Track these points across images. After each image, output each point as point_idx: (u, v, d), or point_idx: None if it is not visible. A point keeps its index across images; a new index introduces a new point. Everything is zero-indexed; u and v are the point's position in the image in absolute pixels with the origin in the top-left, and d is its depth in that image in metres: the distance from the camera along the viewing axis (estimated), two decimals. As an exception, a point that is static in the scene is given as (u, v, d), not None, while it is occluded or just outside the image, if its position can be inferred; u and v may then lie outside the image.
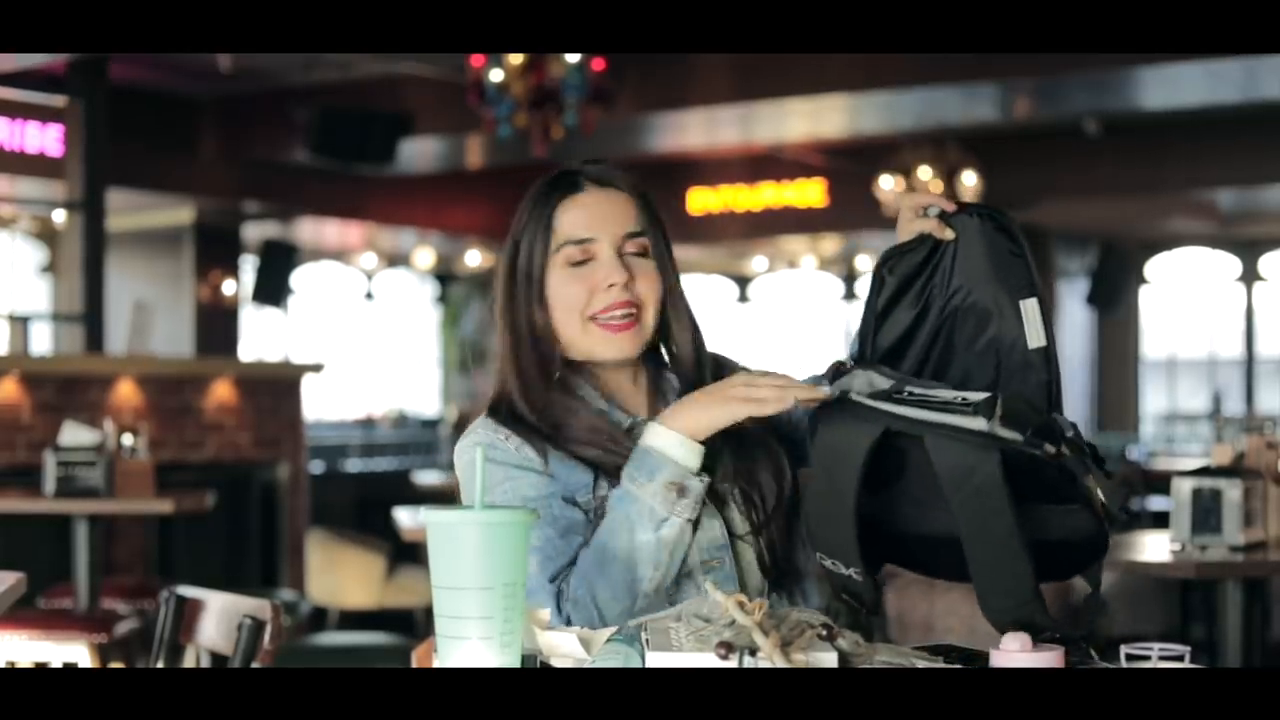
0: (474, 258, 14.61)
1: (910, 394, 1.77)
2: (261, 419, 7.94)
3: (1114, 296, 14.34)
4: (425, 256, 14.84)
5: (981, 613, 1.77)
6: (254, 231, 12.47)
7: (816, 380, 2.05)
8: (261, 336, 13.72)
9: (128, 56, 8.90)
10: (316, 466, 10.50)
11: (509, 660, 1.48)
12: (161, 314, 10.39)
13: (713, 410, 1.86)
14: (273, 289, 12.51)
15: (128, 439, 5.62)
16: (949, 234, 1.94)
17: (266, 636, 2.17)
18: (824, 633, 1.56)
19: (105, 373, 7.24)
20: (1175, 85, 8.95)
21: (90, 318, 8.47)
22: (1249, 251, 15.07)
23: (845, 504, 1.79)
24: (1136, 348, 15.29)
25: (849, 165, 11.93)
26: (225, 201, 11.43)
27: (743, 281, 17.09)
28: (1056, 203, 12.50)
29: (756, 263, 16.26)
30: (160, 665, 2.40)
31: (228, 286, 11.96)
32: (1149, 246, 15.14)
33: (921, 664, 1.63)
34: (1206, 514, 3.79)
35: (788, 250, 15.51)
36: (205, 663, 2.40)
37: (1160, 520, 6.87)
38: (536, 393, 1.99)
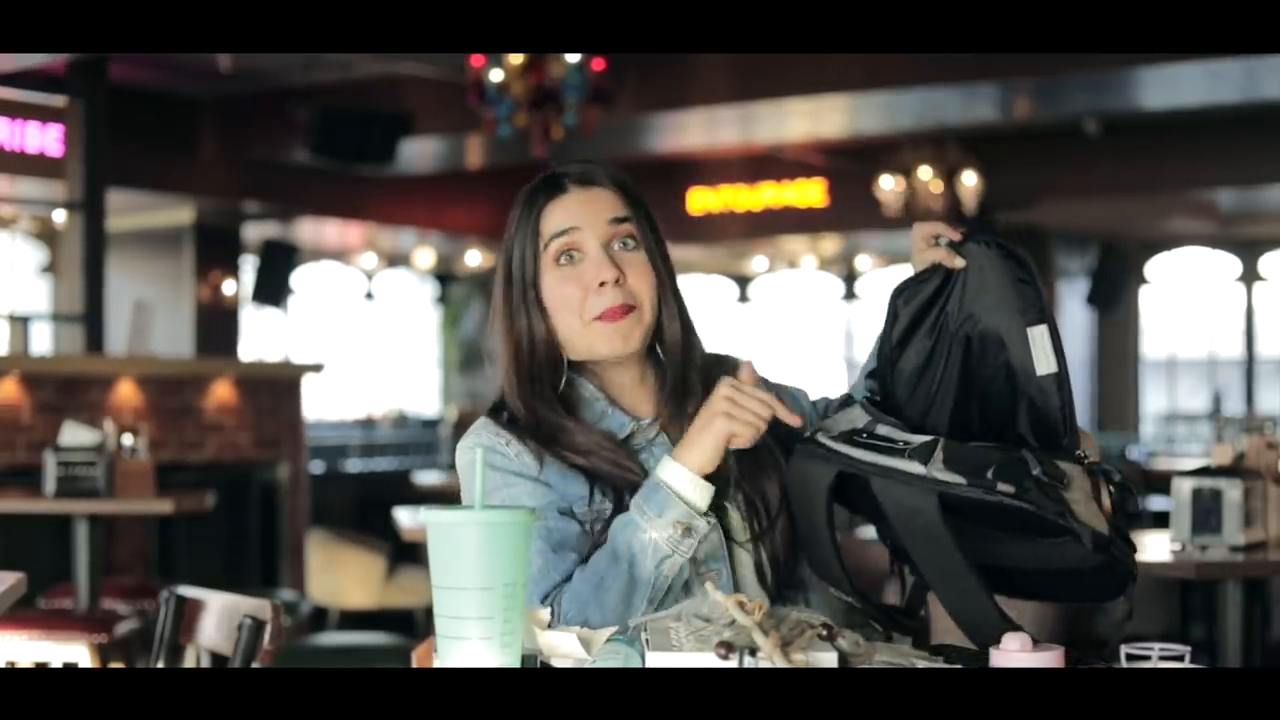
0: (474, 258, 14.61)
1: (868, 436, 1.83)
2: (261, 419, 7.94)
3: (1114, 296, 14.34)
4: (425, 256, 14.84)
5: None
6: (254, 231, 12.47)
7: (828, 404, 2.06)
8: (261, 336, 13.72)
9: (128, 56, 8.90)
10: (316, 466, 10.50)
11: (509, 660, 1.48)
12: (161, 314, 10.39)
13: (704, 437, 1.86)
14: (273, 289, 12.51)
15: (128, 439, 5.61)
16: (959, 262, 1.94)
17: (266, 636, 2.17)
18: (824, 633, 1.56)
19: (105, 373, 7.24)
20: (1175, 85, 8.95)
21: (90, 318, 8.47)
22: (1249, 251, 15.07)
23: (822, 537, 1.86)
24: (1136, 348, 15.29)
25: (849, 165, 11.93)
26: (225, 201, 11.43)
27: (743, 281, 17.08)
28: (1056, 203, 12.50)
29: (756, 263, 16.26)
30: (160, 665, 2.40)
31: (228, 286, 11.96)
32: (1149, 246, 15.14)
33: (921, 664, 1.63)
34: (1206, 514, 3.79)
35: (788, 250, 15.51)
36: (205, 663, 2.40)
37: (1160, 520, 6.86)
38: (536, 400, 1.98)
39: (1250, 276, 15.13)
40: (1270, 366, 15.20)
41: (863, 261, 15.87)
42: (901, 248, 14.90)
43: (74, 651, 4.66)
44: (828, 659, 1.52)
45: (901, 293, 1.97)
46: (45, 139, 8.67)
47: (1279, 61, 8.17)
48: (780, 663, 1.46)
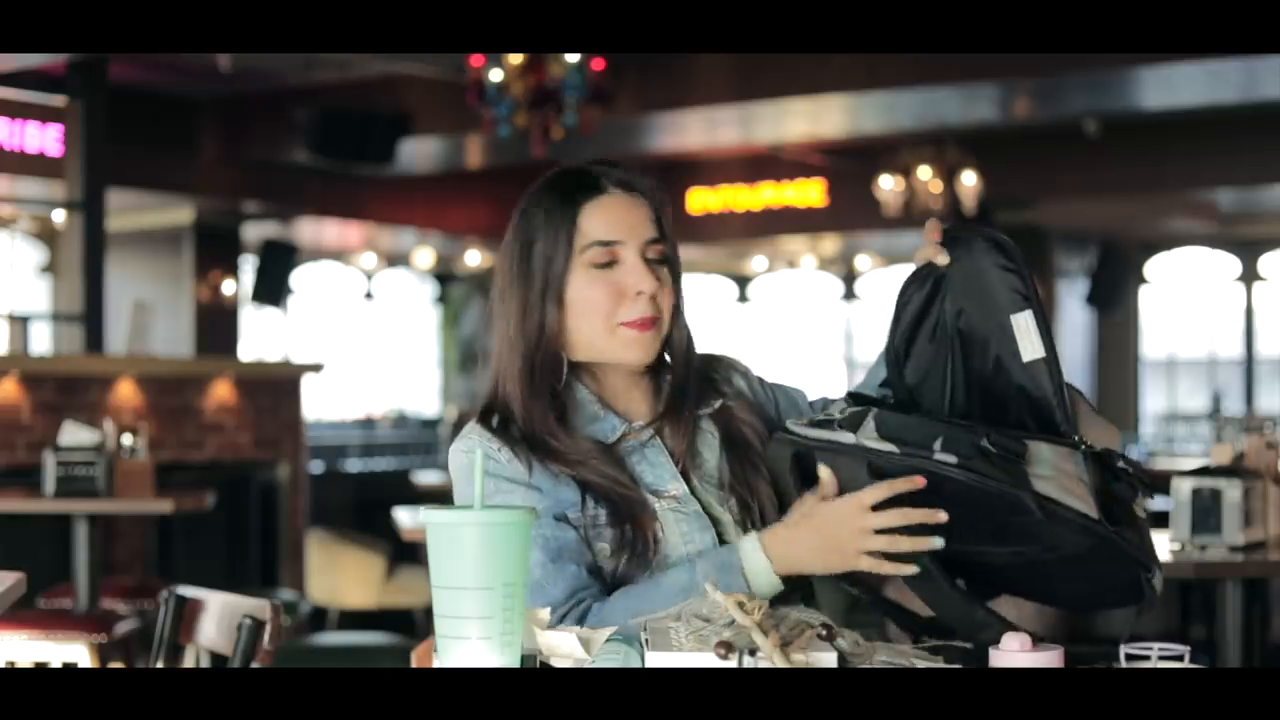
0: (474, 258, 14.61)
1: (824, 418, 1.86)
2: (261, 419, 7.94)
3: (1114, 296, 14.33)
4: (425, 256, 14.83)
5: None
6: (254, 231, 12.47)
7: (826, 403, 2.05)
8: (261, 336, 13.72)
9: (128, 56, 8.90)
10: (316, 466, 10.50)
11: (509, 660, 1.48)
12: (161, 314, 10.38)
13: (829, 560, 1.81)
14: (272, 289, 12.51)
15: (127, 439, 5.61)
16: (944, 259, 1.94)
17: (266, 636, 2.17)
18: (823, 632, 1.56)
19: (105, 373, 7.24)
20: (1175, 85, 8.95)
21: (90, 318, 8.47)
22: (1248, 251, 15.07)
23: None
24: (1136, 348, 15.28)
25: (849, 165, 11.93)
26: (225, 202, 11.43)
27: (742, 281, 17.08)
28: (1056, 203, 12.49)
29: (756, 263, 16.25)
30: (160, 665, 2.40)
31: (227, 286, 11.96)
32: (1149, 246, 15.14)
33: (921, 664, 1.63)
34: (1206, 514, 3.79)
35: (787, 250, 15.51)
36: (205, 663, 2.40)
37: (1160, 520, 6.86)
38: (534, 399, 1.95)
39: (1250, 276, 15.13)
40: (1270, 366, 15.19)
41: (862, 261, 15.86)
42: (901, 248, 14.93)
43: (74, 651, 4.65)
44: (827, 659, 1.52)
45: (903, 293, 1.98)
46: (45, 139, 8.66)
47: (1279, 61, 8.17)
48: (780, 663, 1.46)
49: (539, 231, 1.97)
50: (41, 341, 9.76)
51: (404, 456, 13.62)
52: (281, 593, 7.57)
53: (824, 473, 1.83)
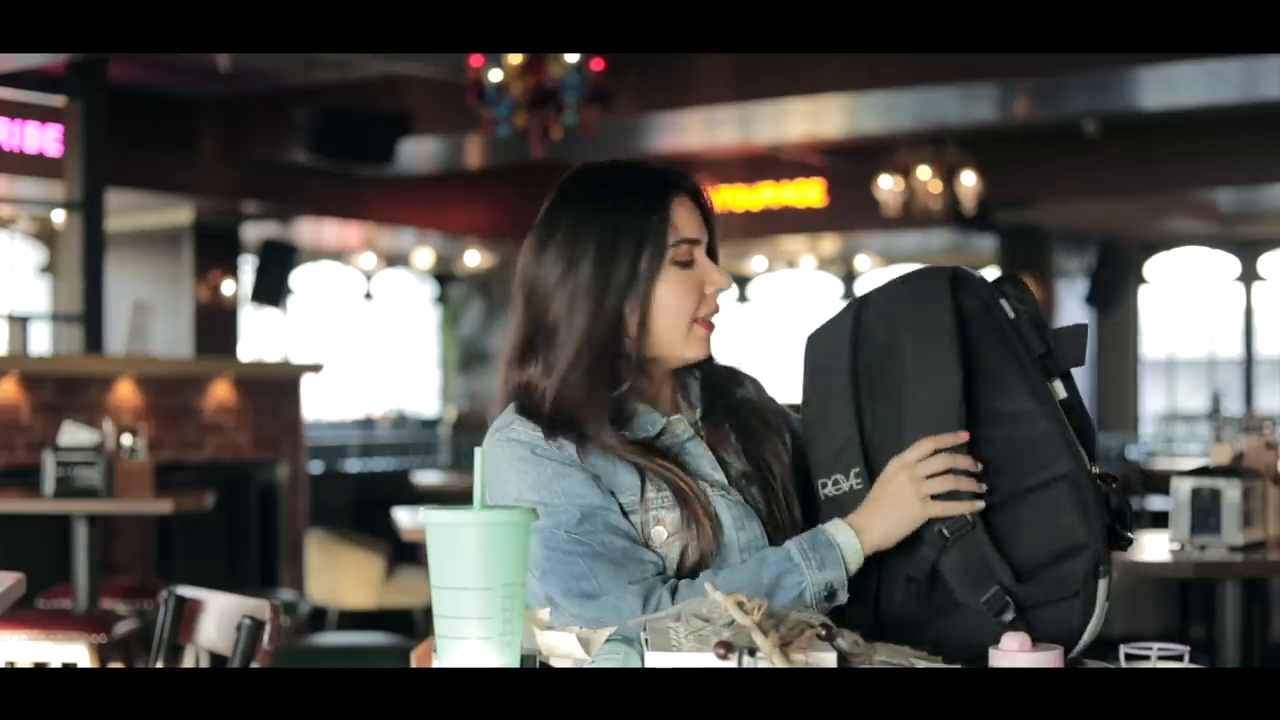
0: (473, 258, 14.61)
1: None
2: (261, 419, 7.94)
3: (1113, 296, 14.34)
4: (424, 256, 14.83)
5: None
6: (253, 232, 12.47)
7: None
8: (261, 336, 13.72)
9: (127, 56, 8.90)
10: (316, 466, 10.50)
11: (509, 660, 1.48)
12: (161, 314, 10.38)
13: (902, 518, 1.87)
14: (272, 289, 12.51)
15: (127, 439, 5.61)
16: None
17: (266, 636, 2.17)
18: (823, 632, 1.56)
19: (104, 373, 7.24)
20: (1174, 85, 8.95)
21: (89, 318, 8.47)
22: (1248, 251, 15.07)
23: (839, 381, 2.07)
24: (1136, 348, 15.29)
25: (848, 165, 11.93)
26: (224, 202, 11.43)
27: (742, 281, 17.09)
28: (1056, 203, 12.50)
29: (756, 263, 16.26)
30: (160, 665, 2.40)
31: (227, 286, 11.96)
32: (1148, 246, 15.14)
33: (920, 664, 1.63)
34: (1205, 514, 3.79)
35: (787, 250, 15.51)
36: (205, 663, 2.40)
37: (1159, 520, 6.87)
38: (594, 394, 1.92)
39: (1249, 276, 15.13)
40: (1269, 366, 15.19)
41: (862, 261, 15.87)
42: (900, 248, 14.94)
43: (73, 651, 4.65)
44: (827, 659, 1.52)
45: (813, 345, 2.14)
46: (44, 139, 8.67)
47: (1278, 61, 8.17)
48: (779, 663, 1.46)
49: (629, 226, 1.95)
50: (41, 342, 9.77)
51: (403, 457, 13.62)
52: (281, 593, 7.57)
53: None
